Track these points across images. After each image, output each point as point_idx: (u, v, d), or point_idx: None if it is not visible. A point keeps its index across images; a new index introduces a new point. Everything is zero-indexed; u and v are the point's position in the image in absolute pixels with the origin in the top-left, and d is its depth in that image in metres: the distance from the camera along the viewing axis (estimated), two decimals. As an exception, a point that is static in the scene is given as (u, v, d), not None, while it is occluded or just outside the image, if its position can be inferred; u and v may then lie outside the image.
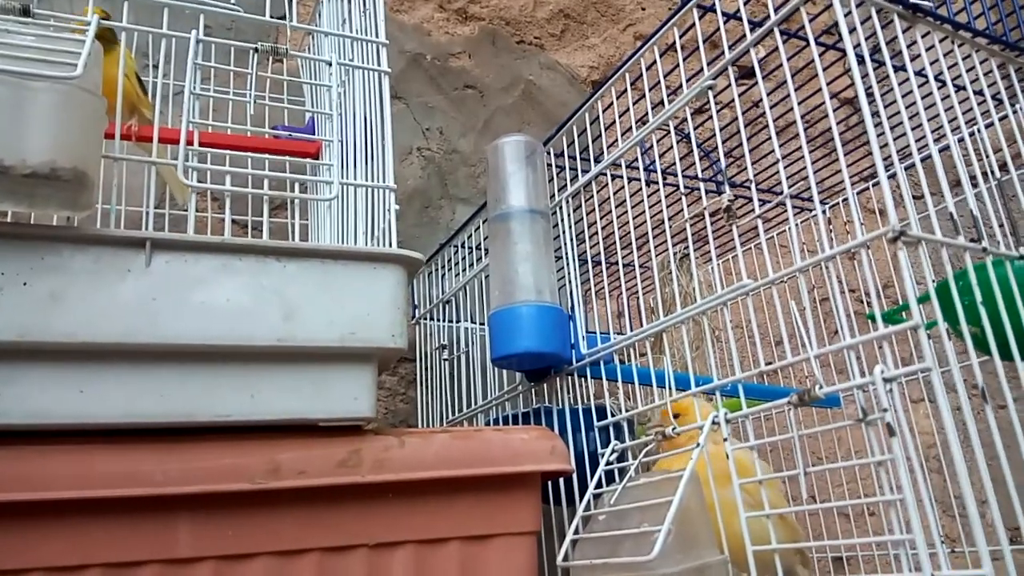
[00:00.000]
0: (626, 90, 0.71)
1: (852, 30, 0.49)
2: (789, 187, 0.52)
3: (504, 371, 0.85)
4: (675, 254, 0.84)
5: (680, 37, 0.65)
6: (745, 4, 0.57)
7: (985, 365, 0.48)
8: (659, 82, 0.64)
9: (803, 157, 0.52)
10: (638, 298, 1.05)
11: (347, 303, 0.50)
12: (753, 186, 0.55)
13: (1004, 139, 0.60)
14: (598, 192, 0.73)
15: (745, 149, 0.56)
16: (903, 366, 0.43)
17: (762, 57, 0.57)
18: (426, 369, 1.00)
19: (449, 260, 0.99)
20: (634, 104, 0.71)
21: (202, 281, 0.47)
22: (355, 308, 0.50)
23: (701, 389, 0.58)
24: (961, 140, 0.57)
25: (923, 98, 0.52)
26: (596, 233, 0.73)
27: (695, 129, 0.65)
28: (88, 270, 0.45)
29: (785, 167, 0.55)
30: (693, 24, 0.63)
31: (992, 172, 0.58)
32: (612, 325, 0.99)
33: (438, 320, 1.00)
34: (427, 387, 0.99)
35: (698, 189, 0.62)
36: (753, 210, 0.54)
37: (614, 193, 0.71)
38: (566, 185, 0.77)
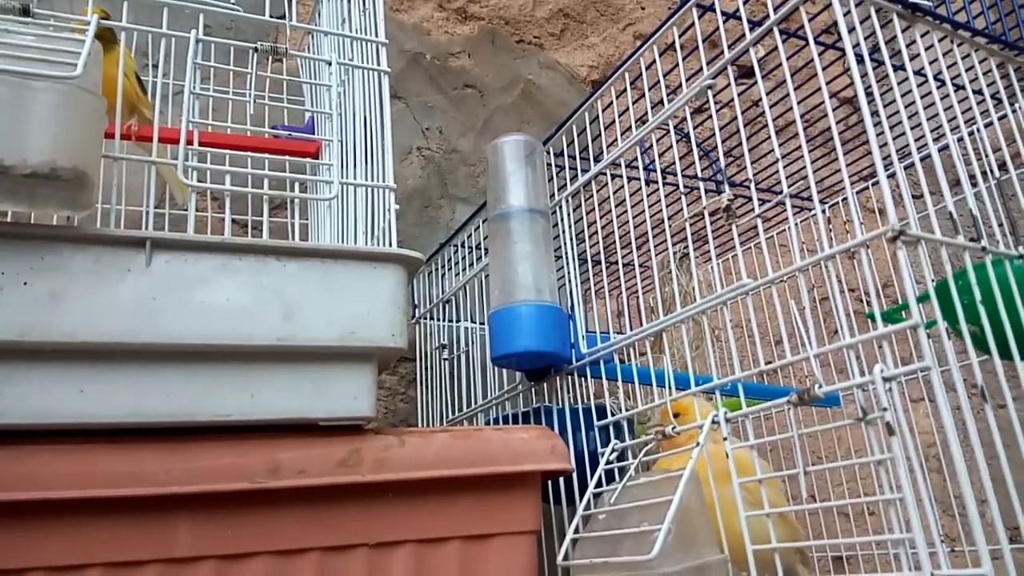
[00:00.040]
0: (626, 89, 0.71)
1: (851, 29, 0.49)
2: (789, 186, 0.52)
3: (504, 370, 0.85)
4: (675, 254, 0.84)
5: (679, 36, 0.65)
6: (744, 3, 0.57)
7: (984, 364, 0.48)
8: (659, 81, 0.64)
9: (802, 156, 0.52)
10: (638, 297, 1.05)
11: (347, 302, 0.50)
12: (753, 185, 0.55)
13: (1003, 138, 0.60)
14: (598, 191, 0.73)
15: (745, 148, 0.56)
16: (903, 365, 0.43)
17: (761, 56, 0.57)
18: (426, 368, 1.00)
19: (449, 260, 1.00)
20: (634, 103, 0.71)
21: (202, 281, 0.47)
22: (355, 307, 0.51)
23: (701, 388, 0.58)
24: (960, 139, 0.57)
25: (922, 97, 0.53)
26: (596, 233, 0.73)
27: (695, 128, 0.65)
28: (88, 270, 0.45)
29: (785, 166, 0.55)
30: (692, 23, 0.63)
31: (991, 171, 0.58)
32: (612, 324, 0.99)
33: (438, 320, 1.00)
34: (427, 386, 0.99)
35: (698, 189, 0.62)
36: (753, 209, 0.54)
37: (614, 192, 0.71)
38: (566, 184, 0.77)
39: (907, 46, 0.54)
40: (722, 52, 0.58)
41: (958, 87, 0.57)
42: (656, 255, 0.68)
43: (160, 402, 0.46)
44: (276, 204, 1.02)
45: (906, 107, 0.51)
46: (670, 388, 0.66)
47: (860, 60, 0.50)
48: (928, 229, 0.47)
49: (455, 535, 0.52)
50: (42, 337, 0.43)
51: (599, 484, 0.60)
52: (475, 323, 0.93)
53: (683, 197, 0.70)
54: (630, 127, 0.69)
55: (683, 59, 0.66)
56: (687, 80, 0.63)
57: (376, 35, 0.63)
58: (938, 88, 0.55)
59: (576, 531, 0.57)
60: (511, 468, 0.54)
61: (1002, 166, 0.59)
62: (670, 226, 0.66)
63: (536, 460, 0.55)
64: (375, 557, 0.50)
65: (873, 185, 1.02)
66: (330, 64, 0.60)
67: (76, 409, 0.44)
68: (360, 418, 0.51)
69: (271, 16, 0.59)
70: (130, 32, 0.58)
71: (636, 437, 0.65)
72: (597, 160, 0.73)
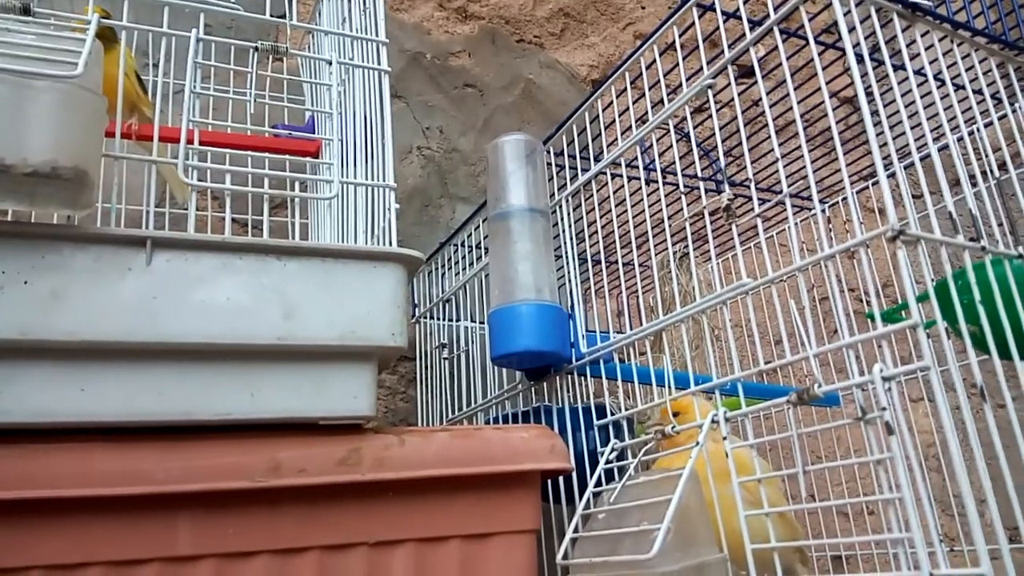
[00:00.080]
0: (626, 89, 0.71)
1: (851, 29, 0.49)
2: (788, 186, 0.52)
3: (504, 370, 0.85)
4: (675, 253, 0.84)
5: (680, 36, 0.65)
6: (744, 3, 0.57)
7: (984, 364, 0.48)
8: (659, 81, 0.64)
9: (802, 156, 0.52)
10: (638, 297, 1.05)
11: (347, 302, 0.50)
12: (752, 185, 0.55)
13: (1003, 138, 0.60)
14: (598, 191, 0.73)
15: (744, 148, 0.57)
16: (902, 365, 0.43)
17: (761, 56, 0.57)
18: (426, 368, 1.00)
19: (449, 259, 1.00)
20: (634, 103, 0.71)
21: (202, 280, 0.47)
22: (355, 307, 0.51)
23: (700, 388, 0.58)
24: (960, 139, 0.57)
25: (922, 97, 0.53)
26: (596, 232, 0.73)
27: (695, 128, 0.65)
28: (89, 269, 0.45)
29: (784, 166, 0.55)
30: (693, 23, 0.63)
31: (991, 171, 0.58)
32: (612, 324, 0.99)
33: (438, 319, 1.00)
34: (427, 386, 0.99)
35: (698, 188, 0.62)
36: (752, 209, 0.54)
37: (614, 192, 0.71)
38: (566, 184, 0.77)
39: (907, 46, 0.54)
40: (722, 52, 0.58)
41: (958, 87, 0.57)
42: (656, 255, 0.68)
43: (159, 401, 0.46)
44: (276, 203, 1.02)
45: (906, 107, 0.51)
46: (670, 387, 0.66)
47: (860, 60, 0.50)
48: (928, 229, 0.47)
49: (455, 534, 0.52)
50: (43, 336, 0.43)
51: (599, 483, 0.60)
52: (475, 322, 0.93)
53: (683, 197, 0.70)
54: (630, 127, 0.69)
55: (683, 59, 0.66)
56: (687, 80, 0.63)
57: (376, 34, 0.63)
58: (938, 88, 0.55)
59: (576, 530, 0.57)
60: (511, 467, 0.54)
61: (1002, 166, 0.59)
62: (670, 226, 0.66)
63: (536, 459, 0.55)
64: (375, 556, 0.50)
65: (873, 185, 1.02)
66: (330, 63, 0.60)
67: (76, 408, 0.44)
68: (360, 417, 0.51)
69: (271, 15, 0.59)
70: (131, 31, 0.58)
71: (636, 436, 0.65)
72: (597, 160, 0.73)
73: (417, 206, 1.20)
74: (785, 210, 0.52)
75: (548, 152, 0.80)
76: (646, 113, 0.67)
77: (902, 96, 0.51)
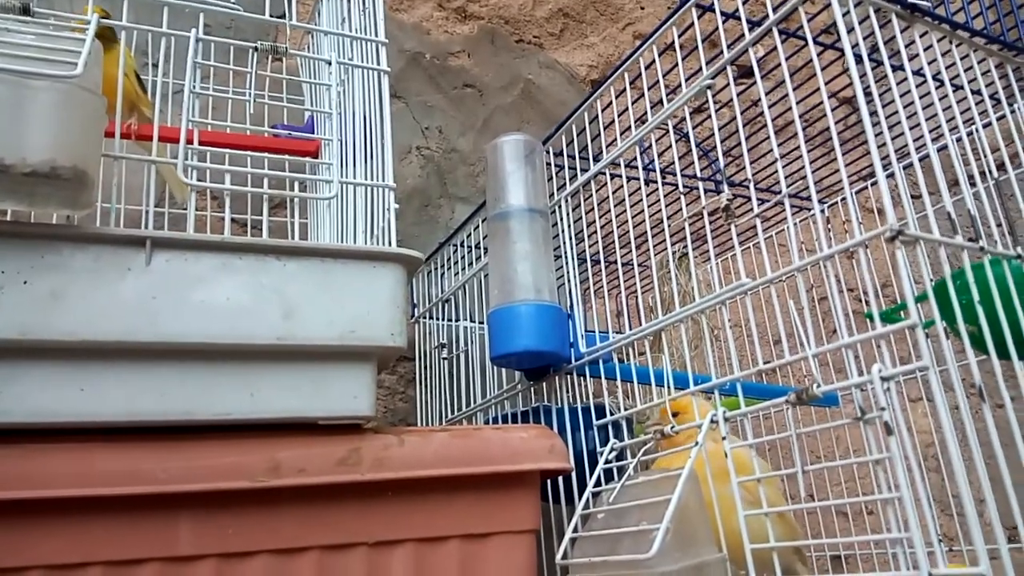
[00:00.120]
0: (625, 89, 0.71)
1: (850, 30, 0.49)
2: (787, 186, 0.52)
3: (503, 370, 0.85)
4: (674, 253, 0.84)
5: (679, 36, 0.65)
6: (744, 3, 0.57)
7: (983, 364, 0.48)
8: (658, 81, 0.64)
9: (801, 156, 0.52)
10: (637, 297, 1.05)
11: (347, 302, 0.50)
12: (752, 185, 0.55)
13: (1002, 139, 0.60)
14: (597, 191, 0.73)
15: (744, 148, 0.57)
16: (901, 365, 0.43)
17: (761, 56, 0.57)
18: (425, 368, 1.00)
19: (448, 259, 1.00)
20: (633, 103, 0.71)
21: (202, 280, 0.47)
22: (355, 307, 0.51)
23: (700, 388, 0.58)
24: (959, 140, 0.57)
25: (921, 98, 0.53)
26: (595, 232, 0.73)
27: (694, 128, 0.65)
28: (88, 268, 0.45)
29: (784, 166, 0.55)
30: (692, 23, 0.63)
31: (990, 172, 0.58)
32: (611, 324, 0.99)
33: (437, 319, 1.00)
34: (426, 386, 0.99)
35: (697, 188, 0.62)
36: (752, 209, 0.54)
37: (613, 192, 0.71)
38: (565, 184, 0.77)
39: (906, 46, 0.54)
40: (721, 52, 0.58)
41: (957, 87, 0.57)
42: (655, 255, 0.68)
43: (159, 401, 0.46)
44: (276, 203, 1.02)
45: (905, 107, 0.51)
46: (669, 387, 0.66)
47: (859, 60, 0.50)
48: (926, 229, 0.47)
49: (454, 534, 0.52)
50: (42, 336, 0.43)
51: (598, 483, 0.60)
52: (474, 322, 0.93)
53: (682, 197, 0.70)
54: (629, 127, 0.69)
55: (683, 59, 0.66)
56: (687, 80, 0.63)
57: (376, 34, 0.63)
58: (937, 88, 0.55)
59: (575, 530, 0.57)
60: (510, 467, 0.54)
61: (1000, 166, 0.60)
62: (669, 226, 0.66)
63: (535, 459, 0.55)
64: (375, 556, 0.50)
65: (872, 185, 1.02)
66: (330, 63, 0.60)
67: (76, 408, 0.44)
68: (359, 417, 0.51)
69: (271, 15, 0.59)
70: (130, 31, 0.58)
71: (635, 436, 0.65)
72: (596, 160, 0.73)
73: (416, 206, 1.20)
74: (784, 210, 0.52)
75: (547, 152, 0.80)
76: (645, 113, 0.67)
77: (901, 96, 0.51)
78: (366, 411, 0.51)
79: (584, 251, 1.00)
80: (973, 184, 0.54)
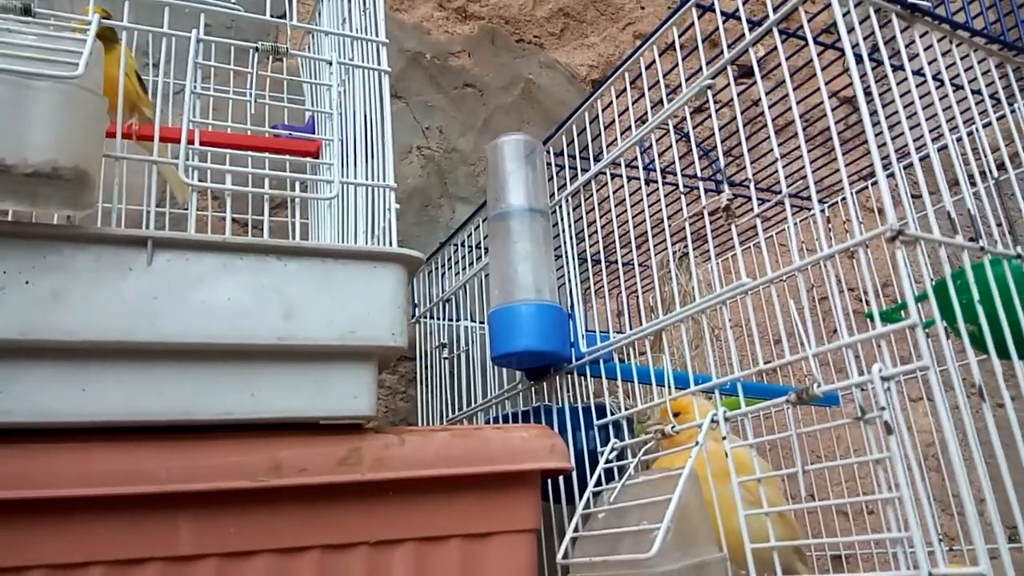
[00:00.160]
0: (625, 89, 0.72)
1: (851, 29, 0.49)
2: (788, 186, 0.53)
3: (504, 370, 0.85)
4: (674, 253, 0.84)
5: (679, 36, 0.65)
6: (744, 3, 0.57)
7: (983, 364, 0.48)
8: (658, 81, 0.65)
9: (802, 156, 0.52)
10: (637, 297, 1.05)
11: (347, 302, 0.50)
12: (752, 185, 0.55)
13: (1002, 138, 0.60)
14: (597, 191, 0.73)
15: (744, 148, 0.57)
16: (901, 365, 0.43)
17: (761, 56, 0.57)
18: (426, 368, 1.00)
19: (449, 259, 1.00)
20: (633, 103, 0.71)
21: (203, 280, 0.47)
22: (355, 307, 0.51)
23: (700, 388, 0.58)
24: (959, 139, 0.57)
25: (921, 97, 0.53)
26: (596, 232, 0.73)
27: (694, 128, 0.65)
28: (89, 269, 0.45)
29: (784, 166, 0.55)
30: (692, 23, 0.63)
31: (990, 171, 0.58)
32: (611, 324, 0.99)
33: (438, 319, 1.00)
34: (427, 385, 0.99)
35: (697, 188, 0.62)
36: (752, 209, 0.54)
37: (613, 192, 0.71)
38: (566, 184, 0.77)
39: (906, 46, 0.54)
40: (722, 52, 0.58)
41: (957, 87, 0.57)
42: (656, 255, 0.68)
43: (159, 401, 0.46)
44: (276, 203, 1.02)
45: (905, 107, 0.51)
46: (669, 387, 0.66)
47: (859, 60, 0.50)
48: (927, 229, 0.47)
49: (455, 533, 0.52)
50: (44, 336, 0.43)
51: (599, 483, 0.61)
52: (475, 322, 0.93)
53: (683, 197, 0.71)
54: (630, 127, 0.69)
55: (683, 59, 0.66)
56: (687, 80, 0.63)
57: (376, 35, 0.63)
58: (937, 88, 0.55)
59: (576, 529, 0.57)
60: (511, 467, 0.54)
61: (1000, 166, 0.60)
62: (669, 226, 0.66)
63: (536, 459, 0.55)
64: (375, 555, 0.50)
65: (872, 185, 1.02)
66: (330, 64, 0.60)
67: (77, 408, 0.44)
68: (360, 417, 0.51)
69: (271, 16, 0.59)
70: (131, 31, 0.58)
71: (635, 436, 0.65)
72: (597, 160, 0.74)
73: (417, 206, 1.20)
74: (784, 210, 0.52)
75: (548, 152, 0.80)
76: (646, 113, 0.67)
77: (901, 96, 0.51)
78: (367, 411, 0.51)
79: (584, 251, 1.00)
80: (973, 184, 0.54)
